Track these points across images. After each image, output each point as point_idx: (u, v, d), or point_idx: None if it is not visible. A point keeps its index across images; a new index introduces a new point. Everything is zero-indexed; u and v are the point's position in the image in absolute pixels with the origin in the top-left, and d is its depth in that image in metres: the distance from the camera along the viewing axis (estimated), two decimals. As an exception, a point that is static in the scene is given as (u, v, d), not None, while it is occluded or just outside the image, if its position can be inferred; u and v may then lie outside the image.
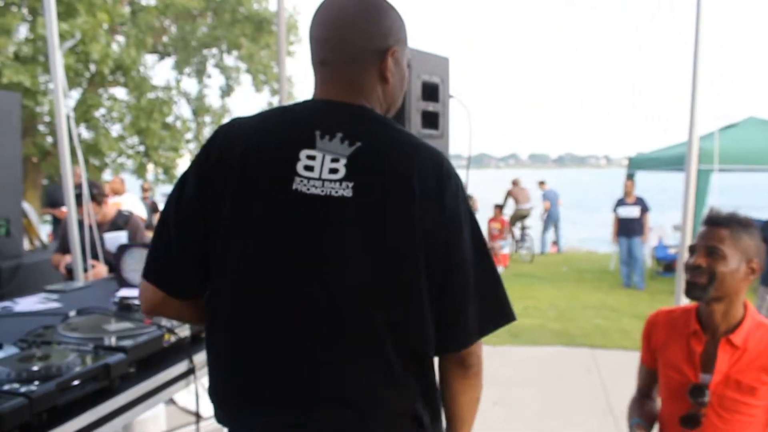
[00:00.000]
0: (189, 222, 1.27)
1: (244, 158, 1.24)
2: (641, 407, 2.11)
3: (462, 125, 2.59)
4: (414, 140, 1.31)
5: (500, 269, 12.26)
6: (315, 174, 1.22)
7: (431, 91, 2.37)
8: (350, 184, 1.22)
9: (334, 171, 1.22)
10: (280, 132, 1.28)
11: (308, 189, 1.21)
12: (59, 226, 5.06)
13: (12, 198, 4.33)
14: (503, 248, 12.67)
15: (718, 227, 1.85)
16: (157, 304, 1.33)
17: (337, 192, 1.21)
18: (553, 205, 15.06)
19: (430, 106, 2.36)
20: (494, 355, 6.39)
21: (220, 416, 1.35)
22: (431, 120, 2.38)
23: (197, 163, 1.30)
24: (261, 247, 1.23)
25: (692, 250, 1.90)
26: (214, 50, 16.61)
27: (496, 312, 1.33)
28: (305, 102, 1.34)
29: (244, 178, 1.24)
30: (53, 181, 14.28)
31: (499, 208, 13.43)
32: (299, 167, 1.23)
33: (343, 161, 1.23)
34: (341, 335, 1.21)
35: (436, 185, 1.25)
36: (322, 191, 1.21)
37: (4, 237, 4.16)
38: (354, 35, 1.29)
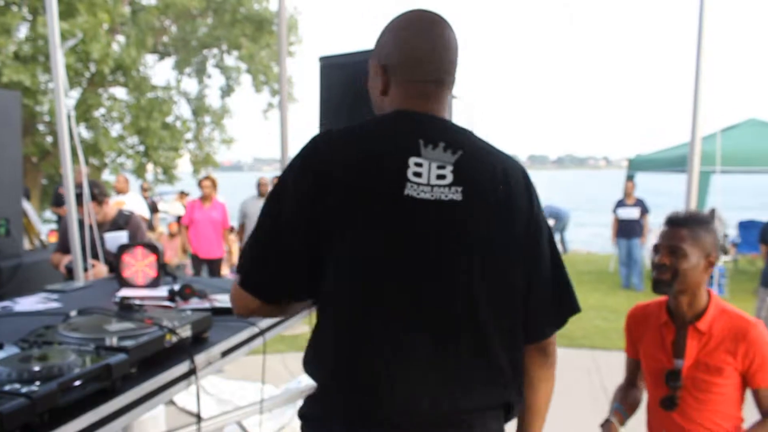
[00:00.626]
0: (289, 233, 1.32)
1: (354, 166, 1.32)
2: (625, 395, 2.33)
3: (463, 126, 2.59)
4: (497, 150, 1.45)
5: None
6: (423, 180, 1.31)
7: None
8: (459, 189, 1.33)
9: (441, 177, 1.33)
10: (387, 141, 1.37)
11: (418, 194, 1.30)
12: (60, 226, 5.05)
13: (12, 197, 4.32)
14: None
15: (679, 227, 2.04)
16: (253, 309, 1.40)
17: (446, 196, 1.32)
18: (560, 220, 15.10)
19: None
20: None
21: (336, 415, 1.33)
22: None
23: (297, 172, 1.34)
24: (379, 251, 1.30)
25: (656, 249, 2.08)
26: (215, 50, 16.61)
27: (570, 304, 1.48)
28: (398, 114, 1.42)
29: (355, 186, 1.31)
30: (53, 181, 14.27)
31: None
32: (409, 173, 1.31)
33: (449, 168, 1.34)
34: (456, 335, 1.31)
35: (524, 190, 1.41)
36: (432, 196, 1.31)
37: (3, 236, 4.15)
38: (455, 60, 1.45)
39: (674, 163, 9.95)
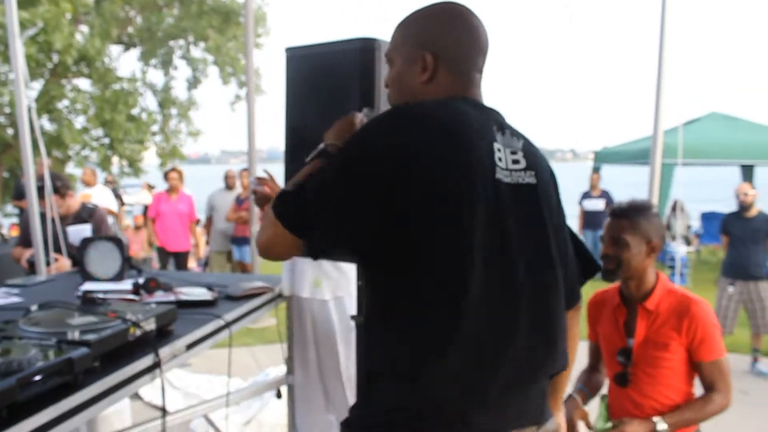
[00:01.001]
0: (362, 203, 1.30)
1: (444, 147, 1.32)
2: (588, 377, 2.45)
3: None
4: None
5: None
6: (503, 164, 1.39)
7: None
8: (532, 173, 1.45)
9: (516, 162, 1.43)
10: (472, 126, 1.38)
11: (504, 178, 1.38)
12: (21, 220, 4.95)
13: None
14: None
15: (620, 218, 2.17)
16: (286, 253, 1.42)
17: (524, 180, 1.43)
18: None
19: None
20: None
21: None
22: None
23: (381, 150, 1.32)
24: (475, 234, 1.30)
25: (602, 239, 2.23)
26: (181, 42, 16.35)
27: (593, 263, 1.73)
28: (464, 101, 1.44)
29: (450, 167, 1.31)
30: (15, 174, 13.98)
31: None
32: (496, 158, 1.38)
33: (520, 153, 1.45)
34: (548, 310, 1.44)
35: (552, 173, 1.56)
36: (512, 179, 1.40)
37: (-37, 230, 4.06)
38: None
39: (638, 155, 10.10)
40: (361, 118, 1.68)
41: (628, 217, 2.16)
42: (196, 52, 16.50)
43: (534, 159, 1.47)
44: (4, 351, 1.55)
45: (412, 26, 1.51)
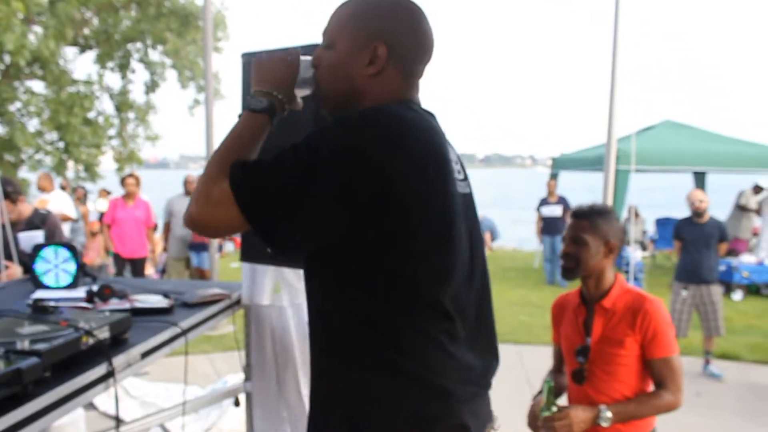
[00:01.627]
0: (329, 210, 1.25)
1: (421, 155, 1.29)
2: (553, 378, 2.50)
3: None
4: None
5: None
6: (454, 175, 1.37)
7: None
8: (468, 183, 1.46)
9: (459, 171, 1.41)
10: (441, 136, 1.39)
11: (459, 188, 1.38)
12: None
13: None
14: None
15: (580, 219, 2.26)
16: (231, 229, 1.35)
17: (465, 190, 1.43)
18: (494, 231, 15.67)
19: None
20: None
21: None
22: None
23: (343, 162, 1.23)
24: (448, 242, 1.32)
25: (563, 239, 2.31)
26: (139, 44, 16.10)
27: None
28: (418, 106, 1.41)
29: (428, 175, 1.29)
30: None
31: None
32: (455, 170, 1.38)
33: (459, 163, 1.44)
34: (490, 318, 1.49)
35: None
36: (461, 190, 1.39)
37: None
38: None
39: (595, 162, 10.28)
40: (302, 60, 1.49)
41: (588, 218, 2.24)
42: (155, 55, 16.27)
43: (464, 168, 1.47)
44: (-50, 362, 1.50)
45: (366, 10, 1.40)
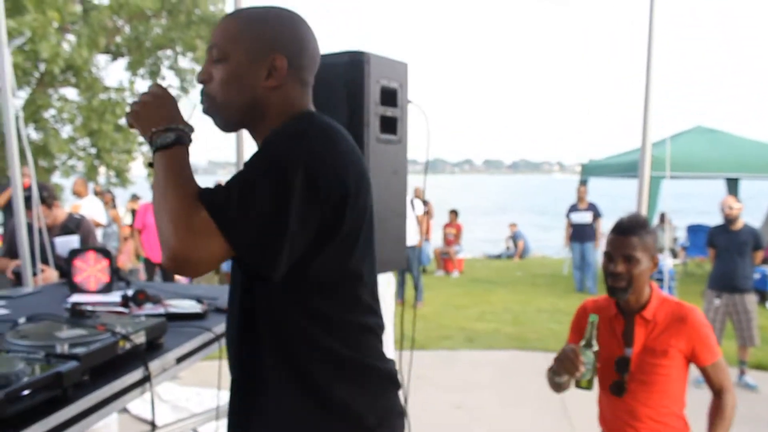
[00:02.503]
0: (309, 220, 1.28)
1: (360, 161, 1.43)
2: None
3: (417, 130, 2.60)
4: None
5: (456, 274, 12.33)
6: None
7: (390, 96, 2.37)
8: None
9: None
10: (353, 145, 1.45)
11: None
12: (6, 230, 4.90)
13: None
14: (458, 253, 12.75)
15: (628, 235, 2.18)
16: (216, 260, 1.26)
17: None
18: (526, 242, 15.74)
19: (389, 111, 2.36)
20: (451, 359, 6.43)
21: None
22: (389, 125, 2.38)
23: (312, 164, 1.27)
24: (372, 249, 1.48)
25: (609, 257, 2.22)
26: (169, 52, 16.33)
27: None
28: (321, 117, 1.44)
29: (360, 188, 1.37)
30: (-1, 183, 13.86)
31: (455, 213, 13.53)
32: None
33: None
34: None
35: None
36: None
37: (-53, 241, 4.02)
38: None
39: (626, 168, 10.17)
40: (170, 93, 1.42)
41: (636, 234, 2.19)
42: (185, 62, 16.49)
43: None
44: (-8, 365, 1.52)
45: (258, 22, 1.39)
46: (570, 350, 2.11)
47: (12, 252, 4.04)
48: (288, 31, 1.40)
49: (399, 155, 2.44)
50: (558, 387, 2.30)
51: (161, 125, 1.35)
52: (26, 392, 1.45)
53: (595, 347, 2.12)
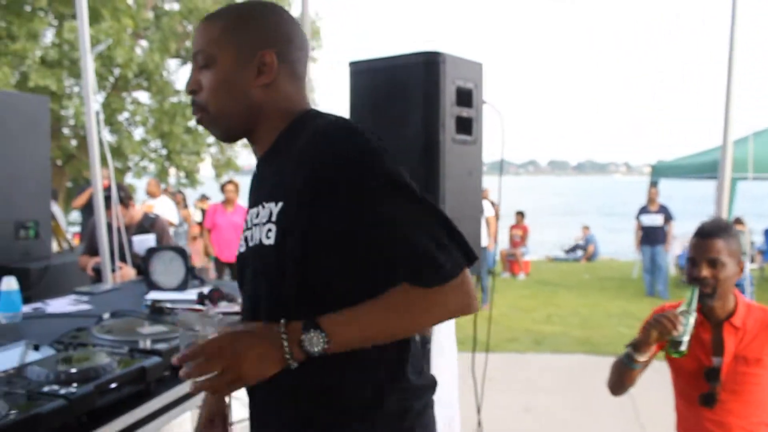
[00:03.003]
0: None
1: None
2: None
3: (489, 131, 2.56)
4: None
5: (522, 276, 12.18)
6: None
7: (465, 97, 2.35)
8: None
9: None
10: None
11: None
12: (86, 229, 5.09)
13: (41, 201, 4.38)
14: (524, 255, 12.59)
15: (714, 239, 2.10)
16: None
17: None
18: (596, 245, 15.57)
19: (464, 112, 2.35)
20: (518, 362, 6.35)
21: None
22: (465, 125, 2.37)
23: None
24: None
25: (693, 261, 2.13)
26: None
27: None
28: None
29: None
30: (77, 184, 14.42)
31: (521, 215, 13.37)
32: None
33: None
34: None
35: None
36: None
37: (33, 239, 4.20)
38: None
39: (699, 169, 9.82)
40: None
41: (722, 237, 2.11)
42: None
43: None
44: (82, 358, 1.58)
45: (240, 21, 1.30)
46: (669, 312, 2.03)
47: (92, 250, 4.20)
48: (273, 25, 1.31)
49: (474, 156, 2.41)
50: (631, 361, 2.16)
51: (281, 363, 1.16)
52: (113, 385, 1.50)
53: (694, 315, 2.03)
